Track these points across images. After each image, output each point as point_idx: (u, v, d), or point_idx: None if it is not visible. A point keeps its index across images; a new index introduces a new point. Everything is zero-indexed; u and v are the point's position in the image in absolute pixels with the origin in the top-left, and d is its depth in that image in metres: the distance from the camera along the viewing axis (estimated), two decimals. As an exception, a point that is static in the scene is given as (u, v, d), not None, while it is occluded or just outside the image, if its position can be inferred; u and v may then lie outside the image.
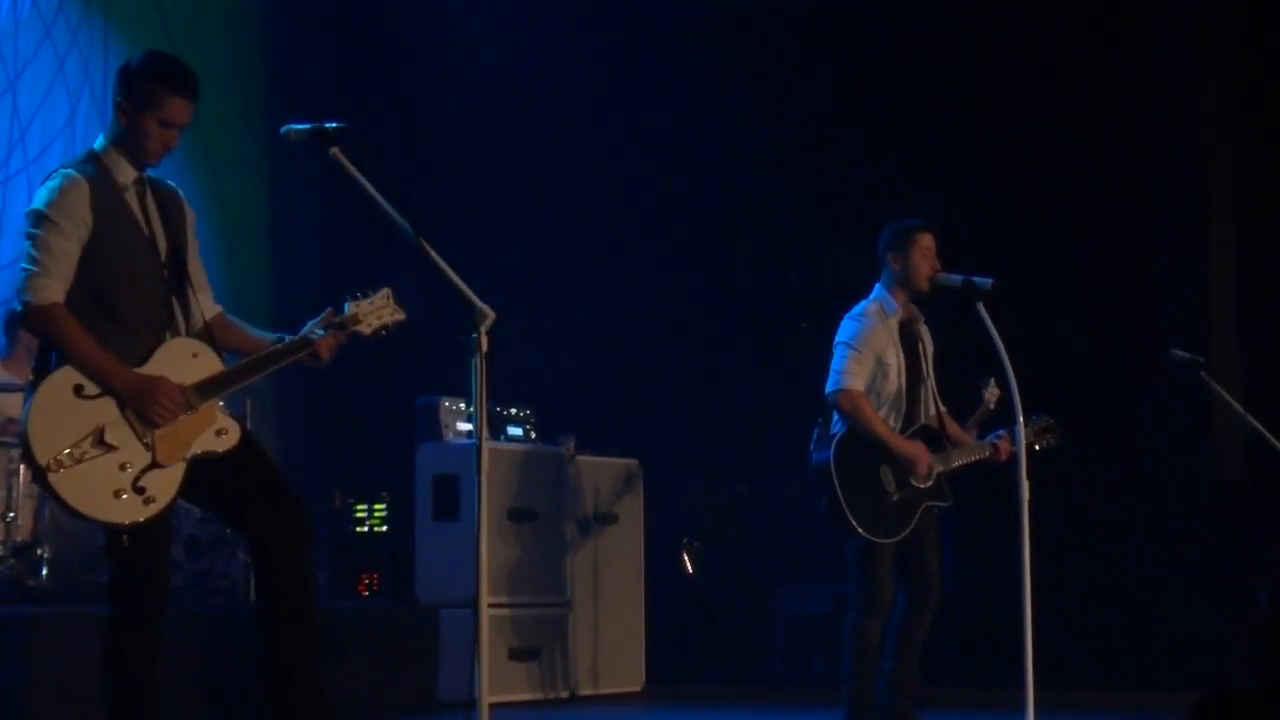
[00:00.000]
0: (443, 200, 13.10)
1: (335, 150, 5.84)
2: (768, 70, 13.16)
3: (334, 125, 5.88)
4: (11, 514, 9.80)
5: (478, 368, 5.64)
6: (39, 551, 9.70)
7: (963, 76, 12.48)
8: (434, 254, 5.71)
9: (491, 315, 5.66)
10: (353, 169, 5.80)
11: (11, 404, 10.56)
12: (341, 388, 12.10)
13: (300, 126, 5.94)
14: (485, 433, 5.69)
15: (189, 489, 5.98)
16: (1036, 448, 8.51)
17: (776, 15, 13.11)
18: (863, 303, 8.40)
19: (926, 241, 8.30)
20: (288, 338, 6.23)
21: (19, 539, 9.80)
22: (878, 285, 8.41)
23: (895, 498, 8.13)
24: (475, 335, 5.65)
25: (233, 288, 6.39)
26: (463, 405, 10.52)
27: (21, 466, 9.85)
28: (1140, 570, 11.47)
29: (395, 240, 5.81)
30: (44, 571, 9.66)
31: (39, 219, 5.94)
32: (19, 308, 5.95)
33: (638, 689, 11.01)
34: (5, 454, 9.93)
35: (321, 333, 6.20)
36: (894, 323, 8.32)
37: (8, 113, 12.12)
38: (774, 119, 13.18)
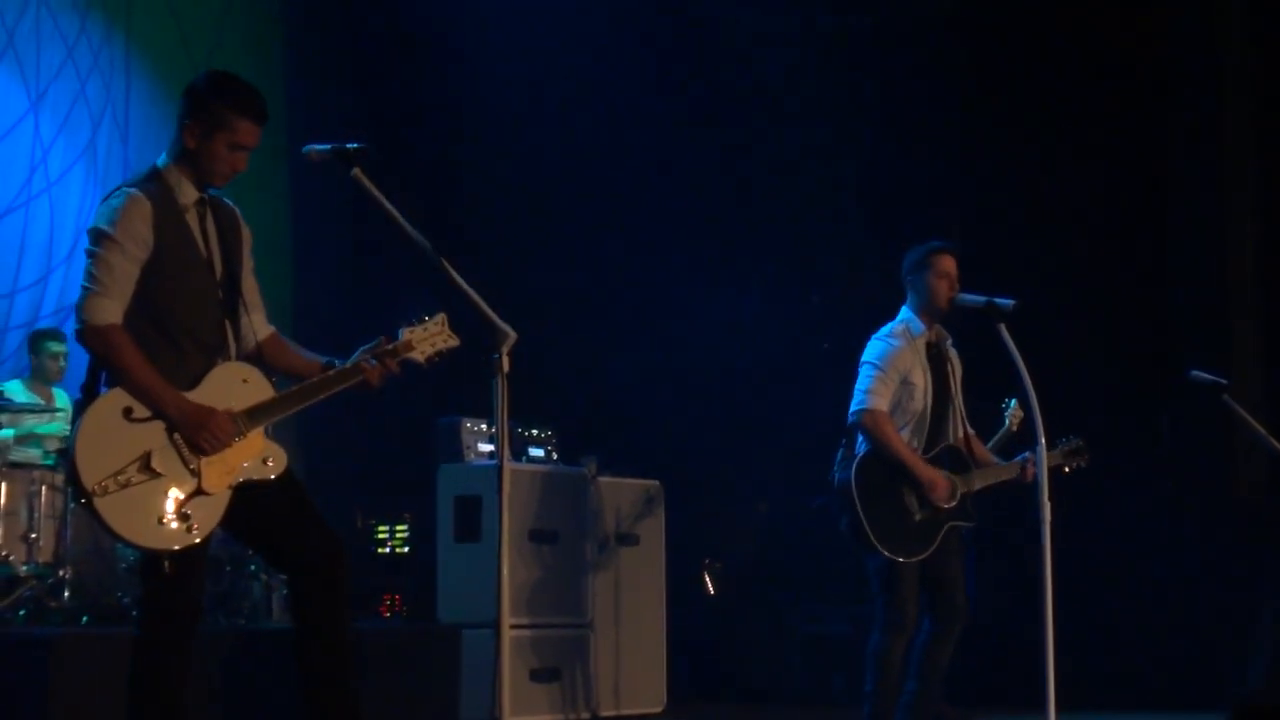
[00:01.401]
0: (464, 219, 13.14)
1: (356, 170, 5.83)
2: (793, 93, 13.15)
3: (354, 146, 5.87)
4: (34, 535, 9.83)
5: (499, 388, 5.62)
6: (61, 573, 9.73)
7: (982, 100, 12.48)
8: (455, 274, 5.69)
9: (513, 335, 5.64)
10: (373, 189, 5.79)
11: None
12: (363, 408, 12.10)
13: (321, 147, 5.93)
14: (507, 453, 5.68)
15: (227, 518, 5.94)
16: (1066, 470, 8.52)
17: (802, 39, 13.12)
18: (890, 323, 8.39)
19: (946, 264, 8.29)
20: (338, 362, 6.17)
21: (41, 560, 9.83)
22: (904, 307, 8.41)
23: (918, 518, 8.10)
24: (497, 356, 5.63)
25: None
26: (484, 426, 10.52)
27: (43, 488, 9.90)
28: (1161, 590, 11.45)
29: (417, 260, 5.80)
30: (65, 593, 9.68)
31: (100, 237, 5.87)
32: (77, 327, 5.87)
33: (659, 709, 10.97)
34: (26, 476, 9.96)
35: (374, 361, 6.17)
36: (921, 344, 8.31)
37: (30, 134, 12.16)
38: (796, 139, 13.18)
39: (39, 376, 10.97)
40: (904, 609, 8.07)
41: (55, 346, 11.03)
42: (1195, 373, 8.92)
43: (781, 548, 12.71)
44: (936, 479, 8.11)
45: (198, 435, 5.82)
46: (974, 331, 8.03)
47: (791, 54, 13.21)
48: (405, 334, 6.21)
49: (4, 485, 9.77)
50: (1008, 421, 8.76)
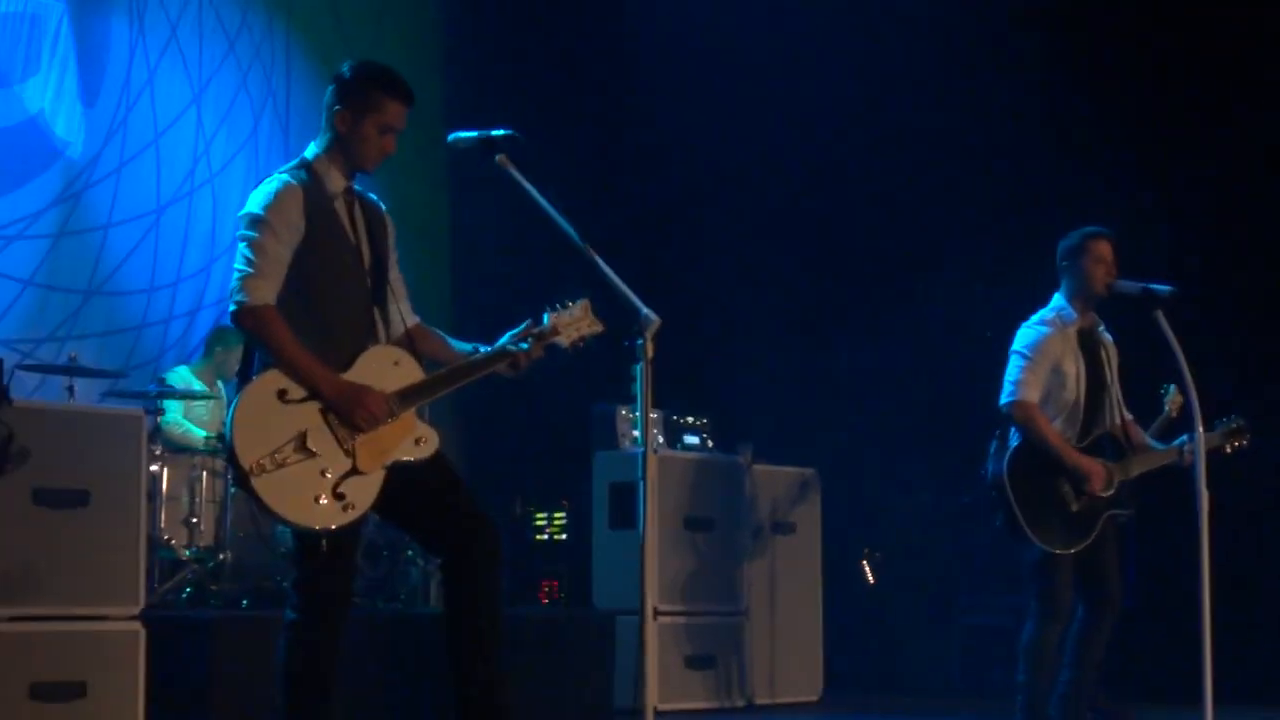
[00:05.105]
0: (623, 206, 13.13)
1: (501, 157, 5.87)
2: (964, 86, 12.93)
3: (501, 133, 5.91)
4: (194, 519, 9.97)
5: (644, 374, 5.61)
6: (221, 556, 9.87)
7: (1146, 84, 12.28)
8: (601, 261, 5.68)
9: (657, 321, 5.59)
10: (519, 176, 5.81)
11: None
12: (521, 395, 12.16)
13: (467, 134, 5.98)
14: (651, 439, 5.68)
15: (381, 500, 5.99)
16: (1227, 449, 8.39)
17: (969, 32, 12.94)
18: (1041, 311, 8.30)
19: (1101, 249, 8.19)
20: (484, 349, 6.24)
21: (202, 544, 9.98)
22: (1057, 294, 8.32)
23: (1075, 508, 8.01)
24: (641, 341, 5.61)
25: (412, 296, 6.43)
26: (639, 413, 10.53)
27: (204, 473, 10.04)
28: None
29: (565, 247, 5.80)
30: (226, 576, 9.82)
31: (254, 221, 5.96)
32: (232, 308, 5.94)
33: (815, 698, 10.96)
34: (187, 460, 10.11)
35: (520, 345, 6.22)
36: (1072, 331, 8.21)
37: (192, 127, 12.34)
38: (967, 134, 12.96)
39: (212, 369, 11.04)
40: (1059, 600, 7.98)
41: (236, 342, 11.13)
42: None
43: (942, 537, 12.59)
44: (1093, 468, 8.01)
45: (353, 412, 5.88)
46: (1131, 318, 7.93)
47: (961, 49, 12.99)
48: (550, 319, 6.27)
49: (165, 470, 9.93)
50: (1167, 408, 8.65)
